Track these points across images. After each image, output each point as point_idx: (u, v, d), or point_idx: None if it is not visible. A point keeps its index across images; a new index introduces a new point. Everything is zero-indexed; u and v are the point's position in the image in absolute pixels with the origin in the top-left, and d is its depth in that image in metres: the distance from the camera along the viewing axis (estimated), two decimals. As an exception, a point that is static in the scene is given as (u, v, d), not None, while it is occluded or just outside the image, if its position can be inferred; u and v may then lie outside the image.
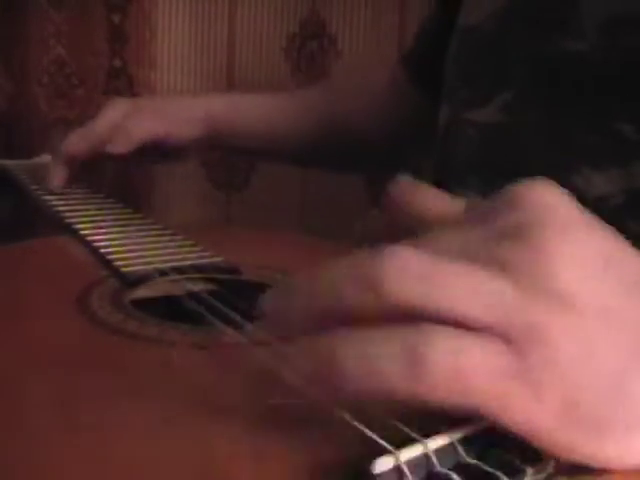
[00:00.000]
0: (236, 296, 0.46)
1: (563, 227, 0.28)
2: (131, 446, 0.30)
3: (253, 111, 0.81)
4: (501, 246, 0.28)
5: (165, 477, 0.28)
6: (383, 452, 0.27)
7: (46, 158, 0.88)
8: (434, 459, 0.27)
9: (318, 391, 0.28)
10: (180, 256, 0.53)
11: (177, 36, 1.13)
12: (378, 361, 0.26)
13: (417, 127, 0.82)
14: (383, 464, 0.27)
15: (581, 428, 0.27)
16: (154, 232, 0.59)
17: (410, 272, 0.27)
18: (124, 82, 1.16)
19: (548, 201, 0.30)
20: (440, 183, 0.63)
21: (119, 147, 0.72)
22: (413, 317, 0.27)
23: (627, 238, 0.41)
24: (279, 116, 0.82)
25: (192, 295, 0.46)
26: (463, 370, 0.26)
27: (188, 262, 0.52)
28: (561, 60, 0.52)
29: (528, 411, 0.27)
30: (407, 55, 0.82)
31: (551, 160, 0.52)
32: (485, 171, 0.57)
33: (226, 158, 1.15)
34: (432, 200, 0.33)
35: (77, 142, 0.73)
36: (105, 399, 0.34)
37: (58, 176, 0.72)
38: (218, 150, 0.91)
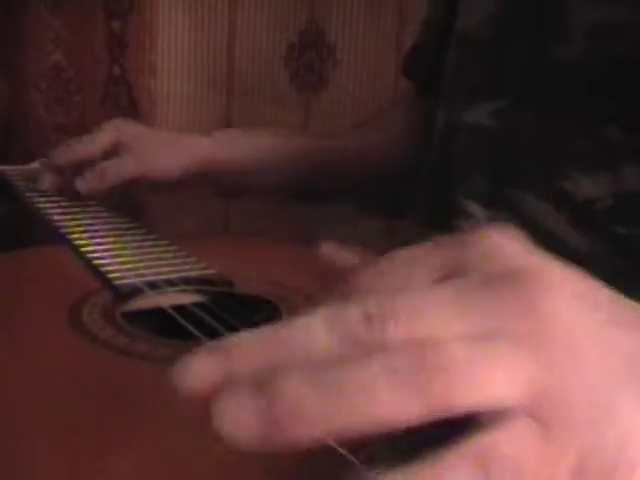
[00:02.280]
0: (226, 309, 0.46)
1: (541, 274, 0.27)
2: (109, 460, 0.30)
3: (242, 152, 0.79)
4: (491, 305, 0.27)
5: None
6: None
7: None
8: None
9: None
10: (173, 268, 0.53)
11: (177, 44, 1.13)
12: None
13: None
14: None
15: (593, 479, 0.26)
16: (149, 243, 0.59)
17: (459, 373, 0.25)
18: (123, 89, 1.16)
19: (513, 249, 0.29)
20: (436, 189, 0.63)
21: (86, 187, 0.70)
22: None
23: (614, 241, 0.41)
24: (270, 157, 0.80)
25: (179, 309, 0.46)
26: (523, 470, 0.25)
27: (181, 274, 0.52)
28: (553, 68, 0.53)
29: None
30: (410, 64, 0.81)
31: (540, 165, 0.52)
32: (478, 177, 0.57)
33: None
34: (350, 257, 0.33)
35: (64, 155, 0.74)
36: (88, 413, 0.34)
37: (46, 180, 0.73)
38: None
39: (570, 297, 0.27)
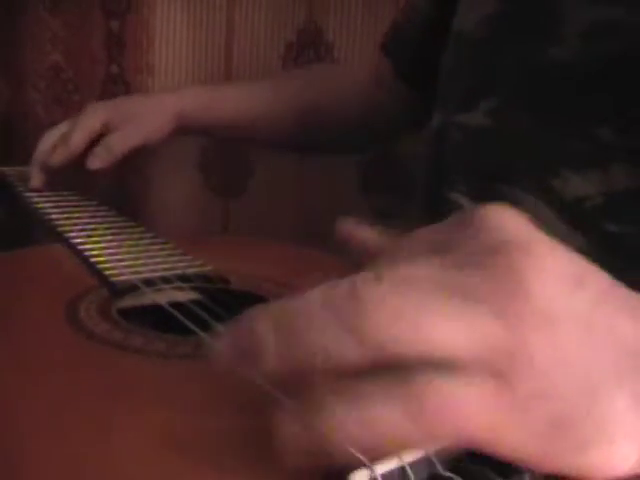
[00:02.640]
0: (222, 306, 0.46)
1: (528, 248, 0.28)
2: (107, 453, 0.30)
3: (225, 103, 0.84)
4: (470, 274, 0.28)
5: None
6: (359, 465, 0.27)
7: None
8: (409, 472, 0.28)
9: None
10: (169, 265, 0.54)
11: (175, 43, 1.14)
12: (380, 425, 0.26)
13: (401, 117, 0.85)
14: (359, 477, 0.27)
15: (567, 446, 0.27)
16: (145, 241, 0.59)
17: (393, 318, 0.26)
18: (121, 89, 1.17)
19: (508, 224, 0.30)
20: (431, 187, 0.64)
21: (99, 163, 0.74)
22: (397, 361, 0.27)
23: (604, 239, 0.42)
24: (255, 106, 0.84)
25: (176, 305, 0.46)
26: (459, 414, 0.26)
27: (177, 271, 0.52)
28: (546, 67, 0.53)
29: (517, 438, 0.27)
30: (389, 44, 0.82)
31: (531, 164, 0.53)
32: (470, 175, 0.58)
33: (223, 164, 1.16)
34: (370, 234, 0.35)
35: (54, 154, 0.75)
36: (85, 407, 0.34)
37: (37, 179, 0.75)
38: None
39: (554, 273, 0.28)
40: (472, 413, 0.26)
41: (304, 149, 0.95)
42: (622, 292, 0.30)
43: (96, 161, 0.73)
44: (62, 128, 0.78)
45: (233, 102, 0.84)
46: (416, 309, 0.27)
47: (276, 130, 0.85)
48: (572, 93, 0.51)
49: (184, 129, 0.81)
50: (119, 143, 0.75)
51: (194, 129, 0.83)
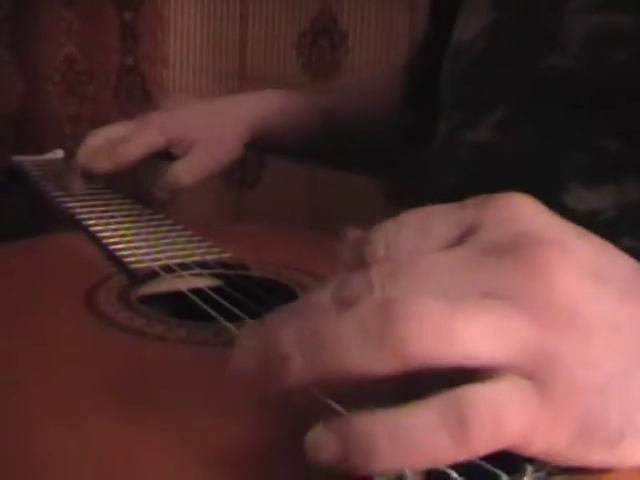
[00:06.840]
0: (241, 292, 0.46)
1: (558, 244, 0.28)
2: (127, 441, 0.30)
3: (290, 120, 0.78)
4: (495, 268, 0.27)
5: (165, 471, 0.29)
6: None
7: (58, 153, 0.88)
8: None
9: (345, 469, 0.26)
10: (188, 252, 0.53)
11: (189, 34, 1.14)
12: (417, 436, 0.25)
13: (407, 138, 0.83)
14: None
15: (598, 442, 0.27)
16: (163, 228, 0.59)
17: (428, 325, 0.25)
18: (136, 80, 1.17)
19: (533, 216, 0.29)
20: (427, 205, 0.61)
21: (166, 196, 0.72)
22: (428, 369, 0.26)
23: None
24: (309, 122, 0.79)
25: (196, 291, 0.46)
26: (504, 423, 0.25)
27: (196, 258, 0.52)
28: (547, 76, 0.51)
29: (549, 439, 0.27)
30: (406, 67, 0.82)
31: (541, 179, 0.51)
32: (476, 192, 0.56)
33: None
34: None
35: (106, 165, 0.69)
36: (107, 395, 0.34)
37: (79, 185, 0.70)
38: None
39: (577, 267, 0.27)
40: (515, 418, 0.26)
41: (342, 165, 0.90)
42: None
43: (163, 195, 0.71)
44: (117, 130, 0.72)
45: (295, 117, 0.78)
46: (446, 315, 0.25)
47: (320, 143, 0.80)
48: (575, 102, 0.50)
49: (249, 146, 0.76)
50: (188, 175, 0.71)
51: (258, 144, 0.77)
